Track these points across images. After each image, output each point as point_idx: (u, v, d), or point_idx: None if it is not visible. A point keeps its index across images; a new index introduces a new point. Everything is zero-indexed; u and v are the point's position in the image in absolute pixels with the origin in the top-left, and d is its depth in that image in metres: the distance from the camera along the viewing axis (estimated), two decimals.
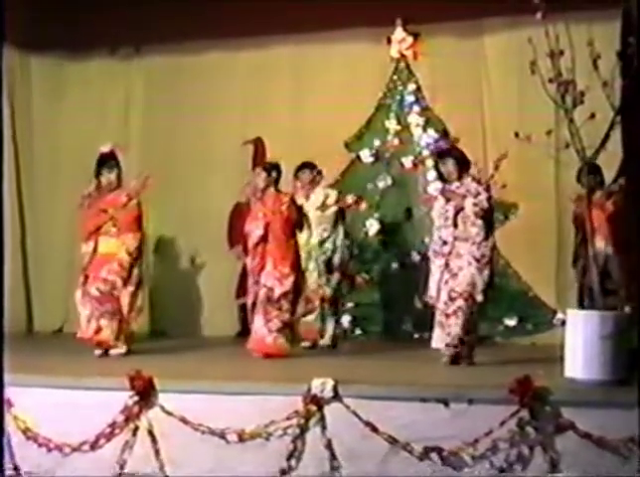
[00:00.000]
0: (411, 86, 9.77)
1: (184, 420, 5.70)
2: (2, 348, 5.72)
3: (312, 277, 8.47)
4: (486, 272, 7.14)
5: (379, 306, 9.57)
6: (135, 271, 7.95)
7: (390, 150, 9.78)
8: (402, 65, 9.80)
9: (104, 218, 7.99)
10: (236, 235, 9.51)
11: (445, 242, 7.25)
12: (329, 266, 8.55)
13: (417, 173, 9.63)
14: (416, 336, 9.33)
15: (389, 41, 9.73)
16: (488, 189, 7.29)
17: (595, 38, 6.15)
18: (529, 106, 8.74)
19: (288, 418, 5.58)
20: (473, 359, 7.17)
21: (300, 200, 8.42)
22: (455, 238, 7.20)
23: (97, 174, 8.10)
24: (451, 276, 7.16)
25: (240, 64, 10.12)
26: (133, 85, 10.63)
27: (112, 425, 5.80)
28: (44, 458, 5.91)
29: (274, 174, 7.95)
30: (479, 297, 7.10)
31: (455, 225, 7.21)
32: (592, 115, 6.13)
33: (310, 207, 8.53)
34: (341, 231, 8.67)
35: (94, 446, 5.82)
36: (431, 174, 9.00)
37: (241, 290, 9.68)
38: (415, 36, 9.65)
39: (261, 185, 7.95)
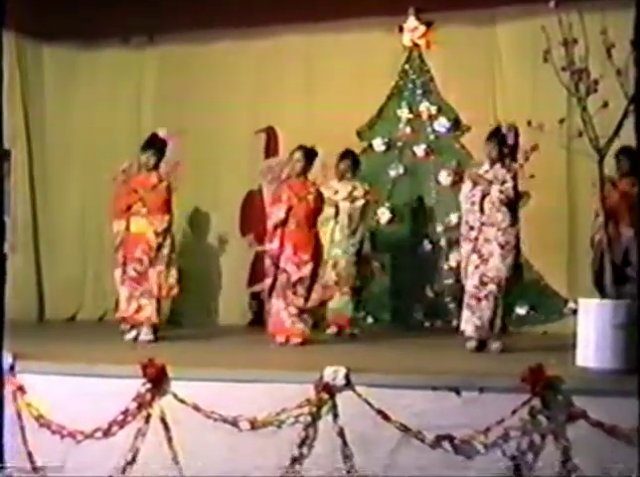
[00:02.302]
0: (424, 75, 9.77)
1: (196, 408, 5.71)
2: (2, 334, 5.77)
3: (339, 266, 8.51)
4: (509, 260, 7.18)
5: (390, 294, 9.58)
6: (164, 251, 8.00)
7: (402, 139, 9.78)
8: (415, 53, 9.79)
9: (134, 197, 8.10)
10: (248, 223, 9.52)
11: (472, 228, 7.30)
12: (358, 257, 8.58)
13: (429, 161, 9.65)
14: (427, 324, 9.38)
15: (401, 29, 9.71)
16: (515, 178, 7.30)
17: (609, 26, 6.11)
18: (541, 95, 8.73)
19: (300, 406, 5.59)
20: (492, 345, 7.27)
21: (329, 191, 8.48)
22: (482, 224, 7.25)
23: (142, 150, 8.23)
24: (482, 261, 7.22)
25: (252, 52, 10.12)
26: (146, 74, 10.65)
27: (125, 413, 5.83)
28: (57, 445, 5.94)
29: (309, 160, 8.00)
30: (502, 283, 7.17)
31: (482, 210, 7.25)
32: (606, 104, 6.09)
33: (339, 197, 8.58)
34: (365, 223, 8.74)
35: (107, 433, 5.85)
36: None
37: (253, 278, 9.71)
38: (428, 24, 9.64)
39: (297, 167, 7.96)
